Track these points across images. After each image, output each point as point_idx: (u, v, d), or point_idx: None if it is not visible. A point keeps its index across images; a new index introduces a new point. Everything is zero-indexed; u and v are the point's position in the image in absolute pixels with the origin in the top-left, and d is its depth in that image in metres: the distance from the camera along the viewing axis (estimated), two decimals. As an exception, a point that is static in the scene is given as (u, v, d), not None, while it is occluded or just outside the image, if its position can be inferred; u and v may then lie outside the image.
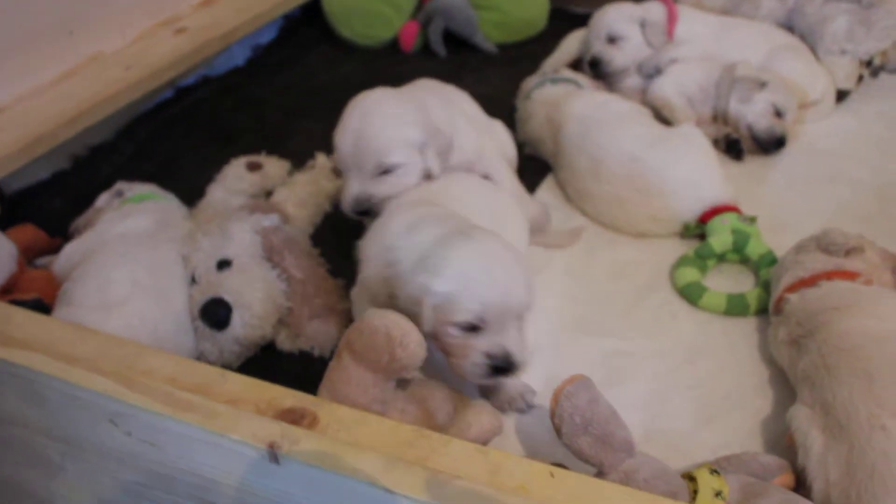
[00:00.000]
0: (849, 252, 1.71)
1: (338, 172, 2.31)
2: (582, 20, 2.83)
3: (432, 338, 1.49)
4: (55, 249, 2.02)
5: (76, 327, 1.47)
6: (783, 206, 2.24)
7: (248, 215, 1.93)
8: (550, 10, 3.32)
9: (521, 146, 2.48)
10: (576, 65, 2.80)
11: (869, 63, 2.73)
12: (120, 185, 2.18)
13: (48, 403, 1.37)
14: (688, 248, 2.06)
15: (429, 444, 1.19)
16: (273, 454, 1.16)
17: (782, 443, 1.50)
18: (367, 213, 1.86)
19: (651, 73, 2.62)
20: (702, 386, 1.72)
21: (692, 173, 2.11)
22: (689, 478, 1.34)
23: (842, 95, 2.68)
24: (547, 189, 2.35)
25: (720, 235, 2.00)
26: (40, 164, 2.36)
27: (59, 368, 1.32)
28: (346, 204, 1.88)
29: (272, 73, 3.12)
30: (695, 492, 1.31)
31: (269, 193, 2.28)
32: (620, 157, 2.14)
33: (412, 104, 1.91)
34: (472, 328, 1.45)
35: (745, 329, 1.85)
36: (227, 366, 1.73)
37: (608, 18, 2.65)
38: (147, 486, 1.38)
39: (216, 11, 2.99)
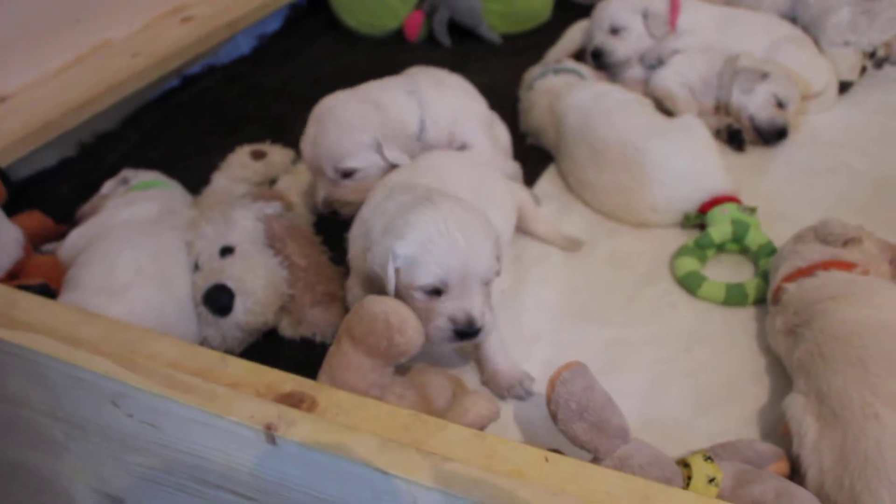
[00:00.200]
0: (847, 242, 1.72)
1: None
2: (586, 11, 2.84)
3: None
4: (61, 236, 2.04)
5: (80, 311, 1.49)
6: (784, 196, 2.25)
7: (251, 203, 1.95)
8: (555, 1, 3.33)
9: (523, 136, 2.49)
10: (579, 55, 2.81)
11: (872, 54, 2.72)
12: (125, 173, 2.20)
13: (52, 385, 1.40)
14: (688, 238, 2.07)
15: (425, 429, 1.20)
16: (270, 435, 1.18)
17: (778, 431, 1.52)
18: (335, 213, 1.96)
19: (653, 63, 2.63)
20: (699, 375, 1.73)
21: (692, 164, 2.12)
22: (684, 464, 1.35)
23: (845, 87, 2.68)
24: (548, 179, 2.36)
25: (720, 225, 2.00)
26: (47, 152, 2.39)
27: (63, 350, 1.34)
28: (317, 205, 1.99)
29: (277, 63, 3.14)
30: (689, 478, 1.32)
31: (272, 181, 2.30)
32: (621, 147, 2.14)
33: (366, 106, 1.96)
34: (436, 292, 1.48)
35: (743, 318, 1.86)
36: (229, 351, 1.75)
37: (611, 9, 2.66)
38: (148, 467, 1.40)
39: (222, 0, 3.01)
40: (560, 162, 2.36)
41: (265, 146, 2.39)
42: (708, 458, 1.35)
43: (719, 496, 1.30)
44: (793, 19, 2.78)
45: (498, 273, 1.55)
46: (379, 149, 1.92)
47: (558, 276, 2.01)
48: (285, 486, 1.25)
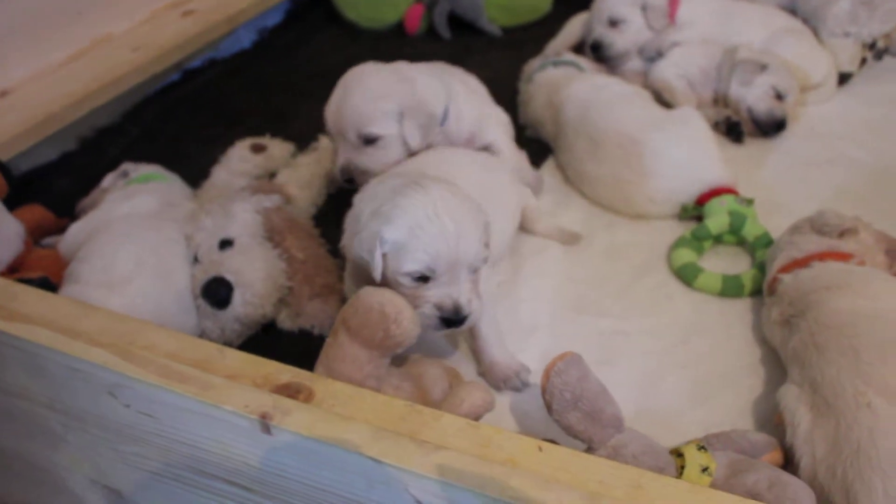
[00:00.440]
0: (843, 233, 1.73)
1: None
2: (585, 3, 2.83)
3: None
4: (62, 229, 2.05)
5: (80, 304, 1.50)
6: (782, 188, 2.25)
7: (250, 196, 1.96)
8: (555, -6, 3.33)
9: (522, 128, 2.50)
10: (579, 48, 2.81)
11: (872, 46, 2.72)
12: (125, 166, 2.21)
13: (50, 376, 1.41)
14: (685, 229, 2.07)
15: (420, 419, 1.21)
16: (265, 425, 1.19)
17: (772, 421, 1.52)
18: (352, 181, 1.93)
19: (652, 56, 2.63)
20: (695, 365, 1.74)
21: (690, 155, 2.12)
22: (677, 454, 1.36)
23: (844, 78, 2.68)
24: (547, 171, 2.36)
25: (717, 217, 2.01)
26: (48, 145, 2.40)
27: (61, 342, 1.35)
28: (335, 172, 1.97)
29: (278, 56, 3.14)
30: (682, 467, 1.33)
31: (272, 175, 2.30)
32: (619, 138, 2.15)
33: (395, 77, 1.98)
34: (423, 278, 1.47)
35: (739, 309, 1.87)
36: (228, 344, 1.76)
37: (610, 2, 2.65)
38: (145, 457, 1.41)
39: (223, -6, 3.02)
40: (559, 154, 2.36)
41: (265, 140, 2.40)
42: (701, 448, 1.35)
43: (712, 485, 1.30)
44: (792, 11, 2.78)
45: (485, 260, 1.54)
46: (401, 120, 1.92)
47: (556, 267, 2.02)
48: (281, 475, 1.26)
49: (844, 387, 1.37)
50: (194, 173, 2.28)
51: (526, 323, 1.86)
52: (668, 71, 2.56)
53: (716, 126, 2.43)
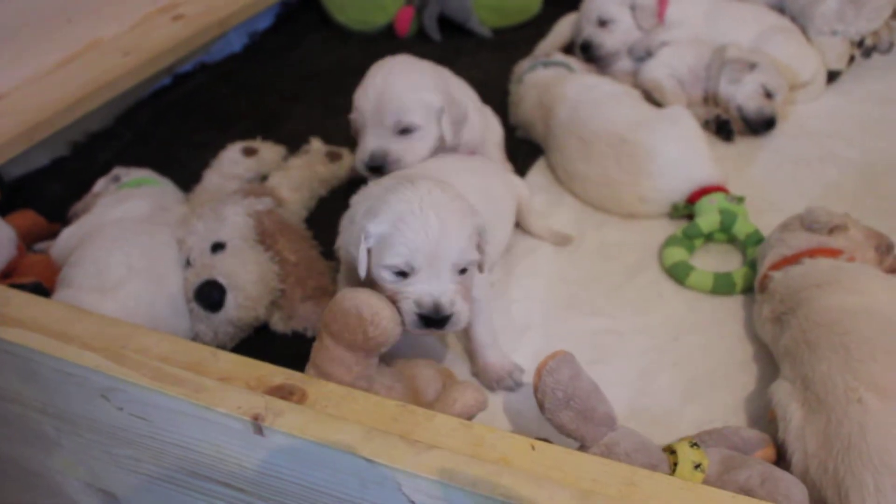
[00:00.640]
0: (832, 230, 1.74)
1: (333, 156, 2.34)
2: (575, 4, 2.84)
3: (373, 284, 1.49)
4: (54, 234, 2.05)
5: (72, 308, 1.50)
6: (772, 185, 2.26)
7: (242, 199, 1.96)
8: (544, -5, 3.34)
9: (513, 129, 2.50)
10: (568, 48, 2.82)
11: (860, 43, 2.73)
12: (117, 171, 2.21)
13: (43, 381, 1.41)
14: (676, 228, 2.08)
15: (413, 419, 1.22)
16: (257, 426, 1.20)
17: (765, 417, 1.53)
18: (381, 169, 1.89)
19: (642, 55, 2.64)
20: (687, 363, 1.75)
21: (680, 154, 2.13)
22: (670, 451, 1.37)
23: (833, 76, 2.70)
24: (538, 171, 2.37)
25: (708, 215, 2.02)
26: (39, 151, 2.40)
27: (53, 346, 1.35)
28: (362, 159, 1.92)
29: (268, 60, 3.15)
30: (675, 464, 1.34)
31: (264, 178, 2.30)
32: (609, 138, 2.16)
33: (433, 72, 1.98)
34: (403, 274, 1.44)
35: (731, 307, 1.88)
36: (221, 346, 1.77)
37: (599, 2, 2.66)
38: (138, 460, 1.42)
39: (213, -2, 3.02)
40: (549, 154, 2.37)
41: (256, 143, 2.40)
42: (694, 445, 1.36)
43: (705, 482, 1.31)
44: (780, 9, 2.80)
45: (479, 265, 1.51)
46: (440, 116, 1.92)
47: (548, 267, 2.03)
48: (274, 476, 1.26)
49: (835, 383, 1.38)
50: (186, 177, 2.28)
51: (518, 322, 1.86)
52: (657, 70, 2.57)
53: (706, 125, 2.44)
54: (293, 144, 2.44)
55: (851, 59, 2.73)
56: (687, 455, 1.34)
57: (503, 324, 1.82)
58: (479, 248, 1.50)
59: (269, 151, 2.39)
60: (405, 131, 1.91)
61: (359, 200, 1.60)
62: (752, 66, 2.45)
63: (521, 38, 3.05)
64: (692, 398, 1.67)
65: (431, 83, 1.94)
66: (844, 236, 1.73)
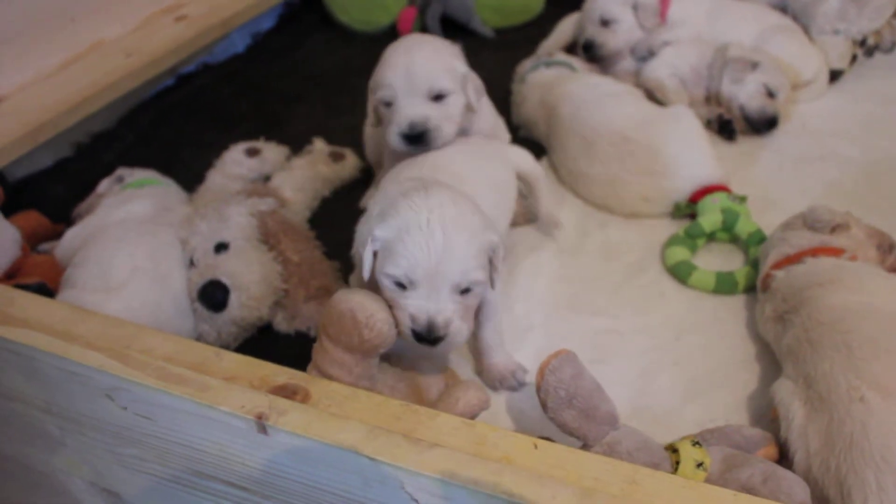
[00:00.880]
0: (834, 229, 1.74)
1: (336, 156, 2.35)
2: (577, 4, 2.84)
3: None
4: (58, 235, 2.06)
5: (76, 309, 1.50)
6: (774, 185, 2.26)
7: (245, 199, 1.97)
8: (547, -6, 3.35)
9: (515, 129, 2.50)
10: (571, 48, 2.82)
11: (863, 43, 2.74)
12: (121, 171, 2.22)
13: (47, 380, 1.41)
14: (678, 227, 2.08)
15: (416, 418, 1.22)
16: (261, 425, 1.20)
17: (767, 416, 1.54)
18: (420, 139, 1.85)
19: (644, 55, 2.64)
20: (689, 362, 1.75)
21: (683, 153, 2.13)
22: (672, 449, 1.37)
23: (835, 75, 2.69)
24: (541, 171, 2.37)
25: (710, 214, 2.02)
26: (43, 152, 2.40)
27: (58, 346, 1.36)
28: (399, 130, 1.86)
29: (271, 60, 3.15)
30: (677, 463, 1.34)
31: (267, 178, 2.31)
32: (612, 137, 2.16)
33: (451, 47, 1.98)
34: (401, 285, 1.41)
35: (733, 306, 1.88)
36: (225, 347, 1.77)
37: (601, 2, 2.66)
38: (142, 459, 1.42)
39: (216, -1, 3.03)
40: (552, 154, 2.37)
41: (260, 143, 2.40)
42: (696, 443, 1.36)
43: (707, 480, 1.31)
44: (782, 8, 2.80)
45: (491, 281, 1.48)
46: (465, 81, 1.91)
47: (550, 266, 2.03)
48: (278, 475, 1.27)
49: (838, 382, 1.38)
50: (189, 178, 2.29)
51: (520, 322, 1.86)
52: (659, 70, 2.57)
53: (708, 124, 2.44)
54: (296, 145, 2.45)
55: (853, 58, 2.73)
56: (689, 454, 1.34)
57: (505, 323, 1.81)
58: (492, 265, 1.47)
59: (273, 152, 2.39)
60: (438, 97, 1.88)
61: (376, 201, 1.56)
62: (755, 66, 2.45)
63: (523, 38, 3.06)
64: (694, 397, 1.67)
65: (453, 54, 1.95)
66: (846, 235, 1.73)
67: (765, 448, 1.44)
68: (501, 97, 2.61)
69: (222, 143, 2.42)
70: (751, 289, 1.88)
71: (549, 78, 2.48)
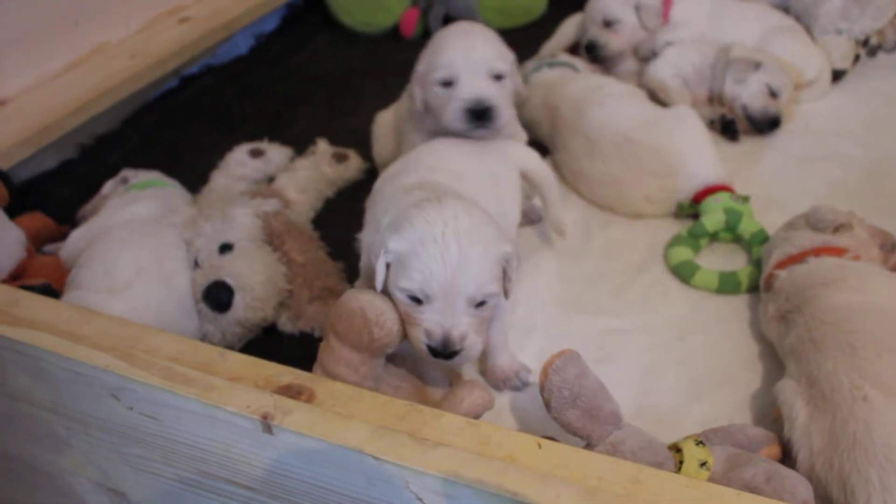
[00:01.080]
0: (837, 229, 1.74)
1: (339, 157, 2.35)
2: (580, 5, 2.84)
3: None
4: (63, 236, 2.07)
5: (82, 309, 1.51)
6: (777, 184, 2.26)
7: (249, 200, 1.98)
8: (549, -4, 3.35)
9: (518, 130, 2.51)
10: (574, 49, 2.83)
11: (865, 42, 2.74)
12: (125, 173, 2.23)
13: (53, 381, 1.42)
14: (681, 227, 2.09)
15: (420, 417, 1.22)
16: (266, 425, 1.21)
17: (771, 415, 1.54)
18: (484, 115, 1.85)
19: (647, 55, 2.65)
20: (693, 361, 1.75)
21: (686, 154, 2.14)
22: (675, 449, 1.37)
23: (838, 75, 2.70)
24: (544, 172, 2.38)
25: (713, 214, 2.02)
26: (48, 154, 2.41)
27: (63, 346, 1.36)
28: (466, 104, 1.85)
29: (275, 62, 3.16)
30: (680, 462, 1.34)
31: (271, 179, 2.32)
32: (615, 138, 2.17)
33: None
34: (417, 299, 1.39)
35: (736, 306, 1.88)
36: (229, 347, 1.78)
37: (604, 2, 2.67)
38: (148, 459, 1.43)
39: (219, 1, 3.03)
40: (555, 154, 2.38)
41: (263, 144, 2.41)
42: (699, 443, 1.37)
43: (711, 480, 1.31)
44: (785, 8, 2.80)
45: (505, 291, 1.46)
46: (513, 66, 1.94)
47: (553, 266, 2.04)
48: (283, 474, 1.27)
49: (841, 381, 1.38)
50: (193, 179, 2.29)
51: (524, 322, 1.87)
52: (662, 70, 2.57)
53: (711, 124, 2.45)
54: (300, 146, 2.46)
55: (856, 58, 2.74)
56: (692, 453, 1.35)
57: (509, 323, 1.82)
58: (506, 275, 1.45)
59: (276, 153, 2.40)
60: (497, 77, 1.89)
61: (385, 212, 1.53)
62: (757, 66, 2.46)
63: (526, 39, 3.05)
64: (697, 396, 1.67)
65: (498, 40, 1.96)
66: (849, 235, 1.74)
67: (768, 447, 1.44)
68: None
69: (226, 144, 2.43)
70: (754, 288, 1.89)
71: (551, 79, 2.49)
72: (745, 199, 2.06)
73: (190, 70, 3.01)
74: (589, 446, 1.36)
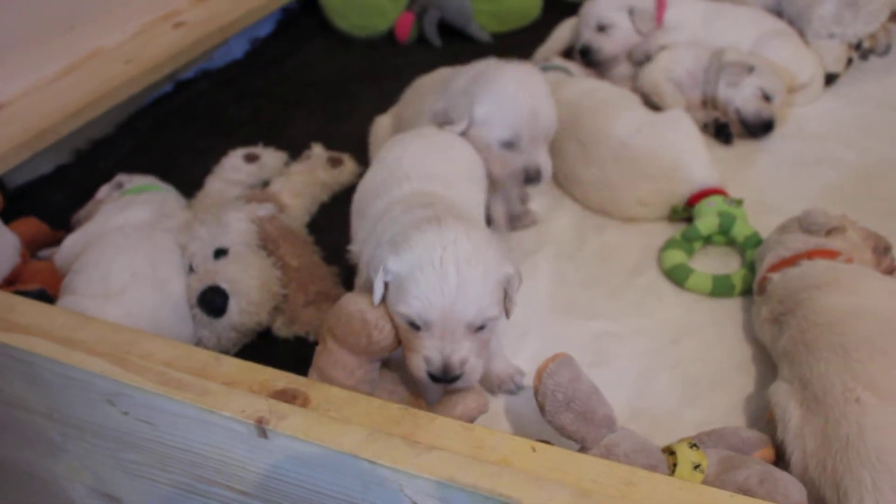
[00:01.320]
0: (830, 232, 1.75)
1: (334, 162, 2.36)
2: (575, 9, 2.86)
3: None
4: (58, 241, 2.06)
5: (76, 315, 1.51)
6: (771, 188, 2.27)
7: (244, 205, 1.98)
8: (544, 0, 3.35)
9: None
10: (568, 53, 2.84)
11: (858, 46, 2.75)
12: (120, 178, 2.23)
13: (48, 386, 1.42)
14: (675, 231, 2.09)
15: (414, 421, 1.23)
16: (261, 429, 1.21)
17: (764, 418, 1.54)
18: (534, 178, 1.95)
19: (641, 59, 2.65)
20: (686, 365, 1.76)
21: (679, 157, 2.14)
22: (669, 452, 1.38)
23: (831, 79, 2.71)
24: (539, 176, 2.38)
25: (706, 218, 2.03)
26: (43, 159, 2.41)
27: (59, 352, 1.37)
28: (528, 173, 1.95)
29: (270, 66, 3.16)
30: (674, 465, 1.35)
31: (266, 184, 2.32)
32: (609, 142, 2.17)
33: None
34: (415, 325, 1.37)
35: (729, 309, 1.89)
36: (224, 352, 1.77)
37: (598, 7, 2.68)
38: (143, 464, 1.43)
39: (214, 5, 3.03)
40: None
41: (258, 149, 2.41)
42: (693, 446, 1.37)
43: (704, 482, 1.32)
44: (778, 13, 2.81)
45: (506, 311, 1.45)
46: None
47: (548, 269, 2.04)
48: (278, 479, 1.28)
49: (834, 383, 1.38)
50: (188, 183, 2.29)
51: (518, 326, 1.86)
52: (656, 74, 2.58)
53: (705, 128, 2.46)
54: (295, 150, 2.46)
55: (849, 61, 2.75)
56: (686, 456, 1.35)
57: (503, 327, 1.82)
58: (507, 296, 1.44)
59: (271, 157, 2.40)
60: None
61: (383, 229, 1.51)
62: (750, 70, 2.46)
63: (520, 43, 3.07)
64: (691, 399, 1.68)
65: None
66: (842, 238, 1.74)
67: (761, 450, 1.45)
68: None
69: (221, 148, 2.43)
70: (747, 292, 1.89)
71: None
72: (739, 202, 2.07)
73: (185, 75, 3.01)
74: (583, 449, 1.36)
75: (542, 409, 1.37)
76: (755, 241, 1.97)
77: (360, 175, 2.36)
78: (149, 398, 1.30)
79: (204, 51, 2.92)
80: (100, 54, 2.69)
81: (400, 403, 1.32)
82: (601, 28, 2.67)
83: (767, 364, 1.70)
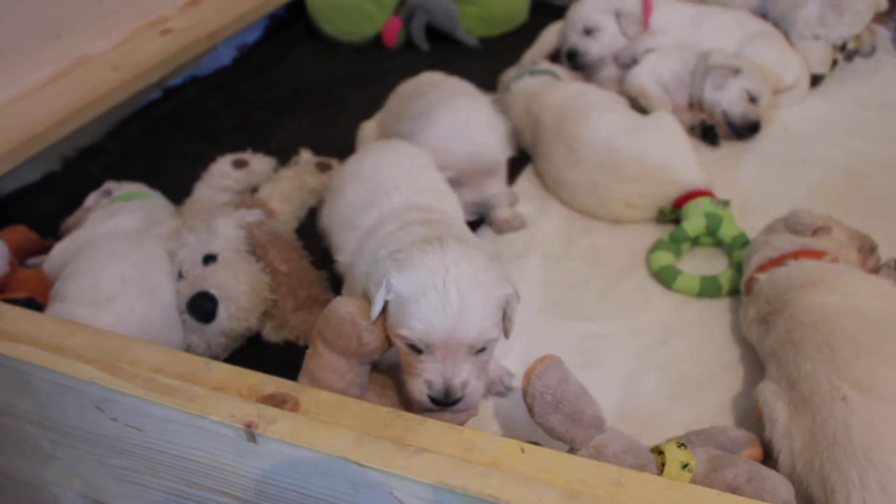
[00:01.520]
0: (816, 232, 1.76)
1: (322, 167, 2.36)
2: (562, 13, 2.87)
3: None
4: (46, 249, 2.06)
5: (66, 322, 1.51)
6: (757, 189, 2.29)
7: (233, 211, 1.98)
8: (531, 4, 3.37)
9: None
10: (555, 57, 2.85)
11: (843, 48, 2.77)
12: (108, 185, 2.22)
13: (37, 393, 1.42)
14: (663, 232, 2.10)
15: (404, 424, 1.23)
16: (250, 434, 1.21)
17: (752, 417, 1.55)
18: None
19: (627, 63, 2.67)
20: (675, 365, 1.77)
21: (666, 159, 2.15)
22: (658, 451, 1.39)
23: (816, 80, 2.73)
24: (526, 179, 2.39)
25: (694, 219, 2.04)
26: (30, 166, 2.40)
27: (48, 359, 1.36)
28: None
29: (258, 72, 3.16)
30: (663, 465, 1.36)
31: (254, 189, 2.32)
32: (596, 145, 2.18)
33: None
34: (416, 349, 1.36)
35: (717, 310, 1.90)
36: (214, 357, 1.78)
37: (584, 10, 2.69)
38: (134, 471, 1.43)
39: (202, 12, 3.03)
40: (537, 162, 2.39)
41: (247, 155, 2.41)
42: (681, 445, 1.38)
43: (693, 481, 1.32)
44: (763, 15, 2.83)
45: (506, 331, 1.45)
46: None
47: (536, 272, 2.05)
48: (268, 483, 1.28)
49: (820, 382, 1.39)
50: (177, 190, 2.29)
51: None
52: (643, 77, 2.59)
53: (691, 130, 2.47)
54: (283, 156, 2.46)
55: (834, 63, 2.77)
56: (674, 455, 1.36)
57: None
58: (506, 316, 1.44)
59: (260, 163, 2.40)
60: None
61: (381, 243, 1.51)
62: (736, 72, 2.48)
63: (507, 47, 3.08)
64: (680, 400, 1.69)
65: None
66: (828, 238, 1.76)
67: (749, 449, 1.45)
68: (487, 106, 2.62)
69: (209, 155, 2.43)
70: (735, 292, 1.91)
71: (533, 86, 2.50)
72: (726, 203, 2.08)
73: (173, 81, 3.00)
74: (572, 450, 1.37)
75: (530, 410, 1.37)
76: (742, 242, 1.98)
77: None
78: (138, 404, 1.30)
79: (192, 57, 2.91)
80: (87, 61, 2.68)
81: (390, 406, 1.33)
82: (587, 31, 2.68)
83: (755, 364, 1.71)
